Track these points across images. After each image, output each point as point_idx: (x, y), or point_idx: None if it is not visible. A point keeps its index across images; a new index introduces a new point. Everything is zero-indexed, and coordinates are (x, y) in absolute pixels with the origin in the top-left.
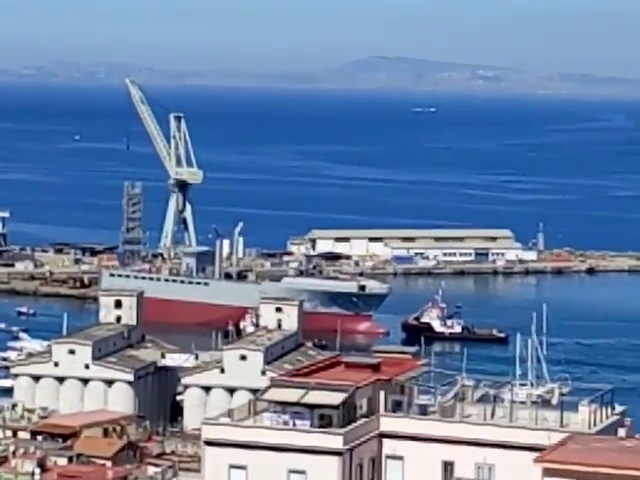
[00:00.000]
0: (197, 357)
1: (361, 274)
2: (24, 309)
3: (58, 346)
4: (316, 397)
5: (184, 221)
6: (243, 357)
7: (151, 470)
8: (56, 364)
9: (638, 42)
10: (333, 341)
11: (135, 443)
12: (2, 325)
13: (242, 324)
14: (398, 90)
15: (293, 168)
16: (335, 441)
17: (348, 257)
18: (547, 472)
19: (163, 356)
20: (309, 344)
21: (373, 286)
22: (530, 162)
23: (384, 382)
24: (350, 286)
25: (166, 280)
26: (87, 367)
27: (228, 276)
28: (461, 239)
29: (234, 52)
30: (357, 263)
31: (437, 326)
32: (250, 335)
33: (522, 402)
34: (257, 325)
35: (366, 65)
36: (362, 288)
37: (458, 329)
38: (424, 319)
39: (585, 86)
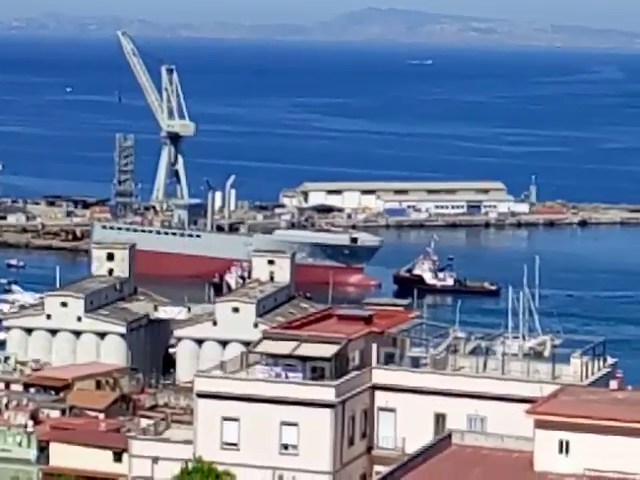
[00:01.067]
0: (189, 310)
1: (353, 227)
2: (14, 261)
3: (50, 299)
4: (308, 349)
5: (176, 174)
6: (235, 309)
7: (144, 422)
8: (48, 317)
9: None
10: (325, 293)
11: (128, 395)
12: None
13: (227, 276)
14: (391, 42)
15: (286, 120)
16: (327, 393)
17: (340, 210)
18: (539, 424)
19: (156, 309)
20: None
21: (365, 238)
22: (522, 114)
23: (376, 334)
24: (342, 238)
25: (158, 232)
26: (79, 320)
27: (220, 229)
28: (453, 191)
29: (226, 4)
30: (349, 216)
31: (429, 278)
32: (243, 287)
33: (514, 354)
34: (242, 277)
35: (358, 17)
36: (354, 240)
37: (450, 282)
38: (416, 271)
39: (579, 38)
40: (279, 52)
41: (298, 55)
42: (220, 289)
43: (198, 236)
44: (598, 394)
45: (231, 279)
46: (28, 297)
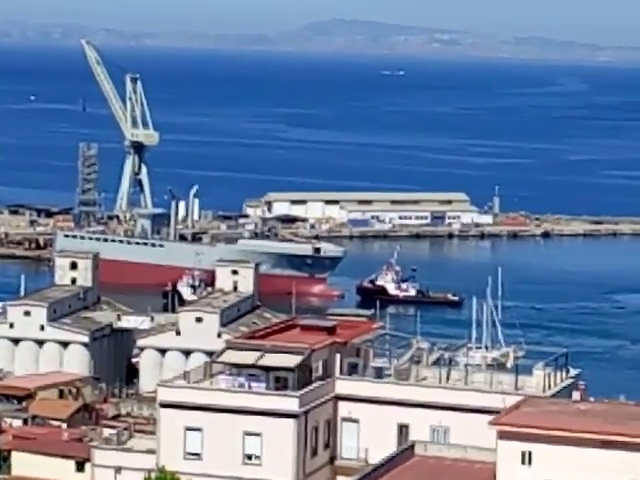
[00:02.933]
0: (153, 319)
1: (317, 237)
2: None
3: (13, 307)
4: (272, 359)
5: (140, 183)
6: (199, 319)
7: (107, 432)
8: (11, 325)
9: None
10: (288, 303)
11: (91, 405)
12: None
13: (179, 285)
14: (355, 53)
15: (250, 130)
16: (291, 403)
17: (304, 220)
18: (502, 435)
19: (119, 318)
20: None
21: (328, 249)
22: (486, 126)
23: (340, 345)
24: (305, 248)
25: (120, 241)
26: (42, 328)
27: (183, 238)
28: (417, 202)
29: (191, 13)
30: (313, 226)
31: (391, 289)
32: (206, 297)
33: (477, 365)
34: (193, 286)
35: (323, 28)
36: (317, 251)
37: (412, 292)
38: (379, 282)
39: (542, 50)
40: (243, 62)
41: (262, 65)
42: (172, 298)
43: (161, 245)
44: (561, 405)
45: (183, 288)
46: None
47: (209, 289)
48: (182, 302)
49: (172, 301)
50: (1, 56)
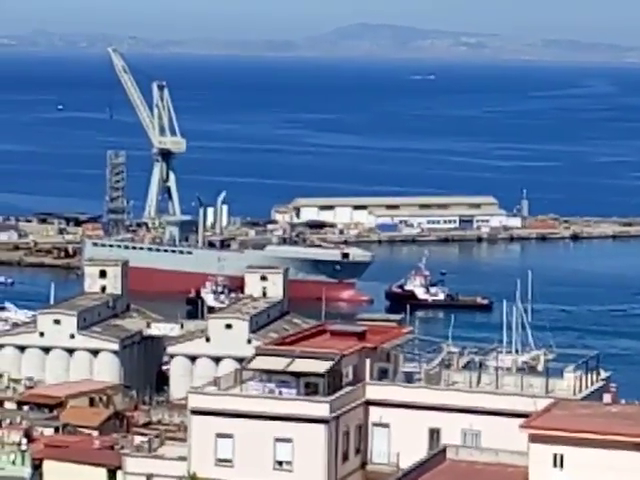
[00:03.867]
0: (182, 326)
1: (345, 242)
2: (2, 279)
3: (43, 316)
4: (302, 365)
5: (168, 190)
6: (228, 326)
7: (137, 439)
8: (41, 334)
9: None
10: (317, 309)
11: (121, 413)
12: None
13: (202, 292)
14: (382, 57)
15: (277, 136)
16: (321, 409)
17: (332, 225)
18: (533, 438)
19: (148, 325)
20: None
21: (356, 254)
22: (514, 129)
23: (370, 350)
24: (333, 254)
25: (149, 249)
26: (72, 337)
27: (212, 245)
28: (445, 206)
29: (217, 20)
30: (341, 231)
31: (420, 294)
32: (235, 303)
33: (507, 369)
34: (216, 292)
35: (348, 33)
36: (345, 256)
37: (441, 296)
38: (408, 287)
39: (569, 52)
40: (269, 67)
41: (289, 71)
42: (195, 304)
43: (189, 252)
44: (592, 408)
45: (206, 294)
46: (21, 315)
47: (232, 295)
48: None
49: (201, 308)
50: (29, 66)
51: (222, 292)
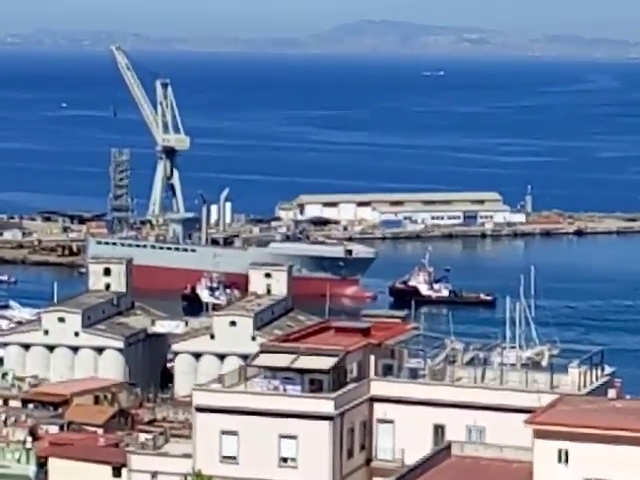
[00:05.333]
0: (187, 323)
1: (350, 239)
2: (4, 277)
3: (48, 314)
4: (306, 362)
5: (172, 188)
6: (233, 323)
7: (142, 437)
8: (46, 332)
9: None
10: (321, 306)
11: (126, 410)
12: None
13: (197, 288)
14: (385, 54)
15: (281, 133)
16: (326, 406)
17: (336, 222)
18: (538, 433)
19: (153, 323)
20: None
21: (360, 250)
22: (517, 124)
23: (374, 346)
24: (337, 250)
25: (153, 247)
26: (77, 335)
27: (215, 242)
28: (449, 202)
29: (220, 18)
30: (345, 228)
31: (424, 290)
32: (240, 301)
33: (512, 364)
34: (212, 288)
35: (351, 29)
36: (349, 252)
37: (445, 293)
38: (411, 283)
39: (573, 48)
40: (273, 65)
41: (293, 68)
42: (191, 300)
43: (193, 250)
44: (596, 403)
45: (201, 290)
46: (25, 313)
47: (228, 291)
48: (201, 305)
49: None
50: (33, 64)
51: (217, 288)
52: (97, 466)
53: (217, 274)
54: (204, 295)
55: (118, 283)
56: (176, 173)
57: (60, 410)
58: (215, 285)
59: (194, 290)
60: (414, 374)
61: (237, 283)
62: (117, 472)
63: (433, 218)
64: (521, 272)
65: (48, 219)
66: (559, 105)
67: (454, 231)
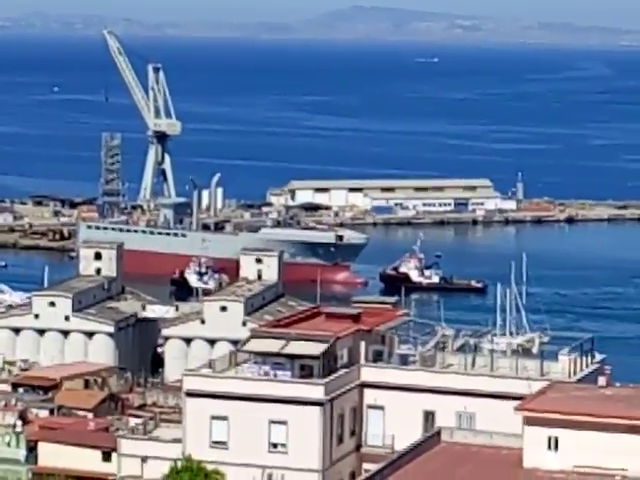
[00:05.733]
0: (177, 308)
1: (341, 224)
2: None
3: (38, 298)
4: (297, 347)
5: (163, 173)
6: (223, 308)
7: (132, 421)
8: (36, 316)
9: None
10: (312, 291)
11: (116, 395)
12: None
13: (186, 273)
14: (377, 40)
15: (272, 119)
16: (316, 391)
17: (328, 208)
18: (528, 420)
19: (144, 308)
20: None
21: (350, 236)
22: (509, 111)
23: (364, 332)
24: (327, 236)
25: (143, 232)
26: (67, 319)
27: (206, 227)
28: (440, 189)
29: (211, 3)
30: (337, 214)
31: (415, 276)
32: (230, 286)
33: (502, 351)
34: (200, 273)
35: (343, 15)
36: (339, 238)
37: (436, 279)
38: (402, 269)
39: (565, 35)
40: (265, 50)
41: (284, 53)
42: (180, 285)
43: (184, 235)
44: (586, 390)
45: (190, 275)
46: (16, 297)
47: (216, 276)
48: (189, 289)
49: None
50: (25, 47)
51: (206, 273)
52: (87, 450)
53: (205, 259)
54: (192, 280)
55: (109, 268)
56: (167, 158)
57: (50, 394)
58: (204, 270)
59: (182, 275)
60: (404, 360)
61: (225, 268)
62: (107, 456)
63: (424, 205)
64: (512, 259)
65: (39, 203)
66: (551, 92)
67: (445, 218)
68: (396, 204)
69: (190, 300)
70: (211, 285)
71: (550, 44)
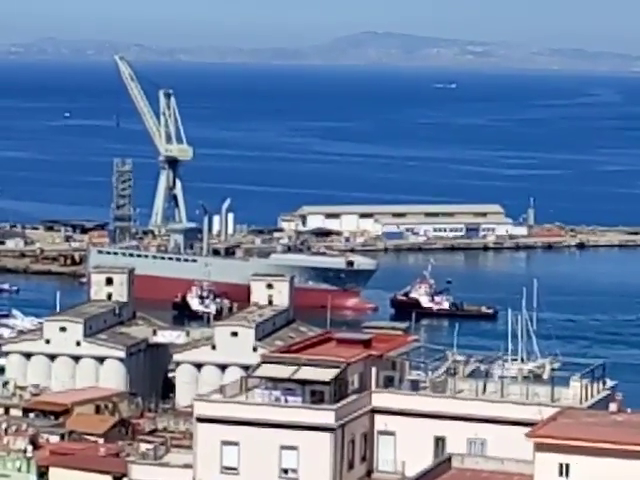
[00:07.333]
0: (188, 334)
1: (352, 250)
2: (6, 286)
3: (49, 323)
4: (308, 373)
5: (174, 198)
6: (234, 333)
7: (143, 447)
8: (47, 341)
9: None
10: (322, 317)
11: (127, 420)
12: None
13: (188, 297)
14: (388, 66)
15: (284, 144)
16: (327, 417)
17: (339, 233)
18: (539, 447)
19: (154, 333)
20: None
21: (361, 262)
22: (520, 137)
23: (375, 358)
24: (338, 262)
25: (154, 257)
26: (78, 344)
27: (216, 253)
28: (451, 214)
29: (223, 28)
30: (348, 239)
31: (425, 302)
32: (241, 311)
33: (513, 377)
34: (202, 297)
35: (354, 41)
36: (350, 264)
37: (446, 305)
38: (412, 295)
39: (576, 61)
40: (276, 76)
41: (296, 79)
42: (182, 309)
43: (194, 260)
44: (598, 417)
45: (191, 299)
46: (27, 322)
47: (217, 300)
48: (191, 313)
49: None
50: (37, 74)
51: (207, 297)
52: (98, 476)
53: (208, 283)
54: (194, 303)
55: (120, 293)
56: (178, 183)
57: (61, 419)
58: (205, 294)
59: (184, 299)
60: (415, 386)
61: (228, 293)
62: None
63: (435, 230)
64: (523, 285)
65: (50, 228)
66: (562, 118)
67: (456, 243)
68: (407, 229)
69: (191, 324)
70: (212, 309)
71: (561, 70)
